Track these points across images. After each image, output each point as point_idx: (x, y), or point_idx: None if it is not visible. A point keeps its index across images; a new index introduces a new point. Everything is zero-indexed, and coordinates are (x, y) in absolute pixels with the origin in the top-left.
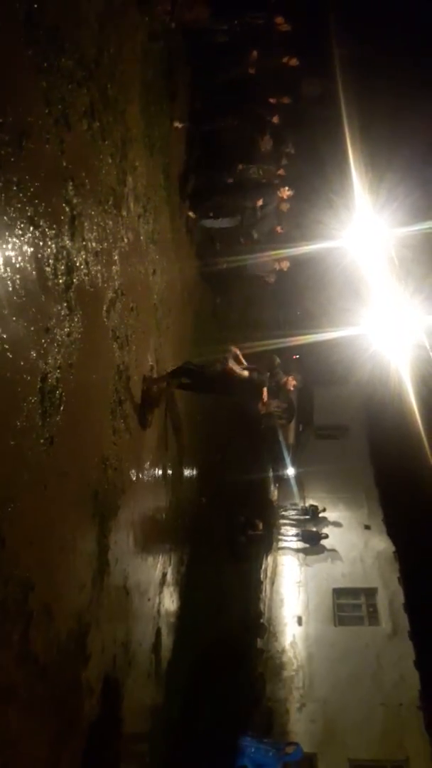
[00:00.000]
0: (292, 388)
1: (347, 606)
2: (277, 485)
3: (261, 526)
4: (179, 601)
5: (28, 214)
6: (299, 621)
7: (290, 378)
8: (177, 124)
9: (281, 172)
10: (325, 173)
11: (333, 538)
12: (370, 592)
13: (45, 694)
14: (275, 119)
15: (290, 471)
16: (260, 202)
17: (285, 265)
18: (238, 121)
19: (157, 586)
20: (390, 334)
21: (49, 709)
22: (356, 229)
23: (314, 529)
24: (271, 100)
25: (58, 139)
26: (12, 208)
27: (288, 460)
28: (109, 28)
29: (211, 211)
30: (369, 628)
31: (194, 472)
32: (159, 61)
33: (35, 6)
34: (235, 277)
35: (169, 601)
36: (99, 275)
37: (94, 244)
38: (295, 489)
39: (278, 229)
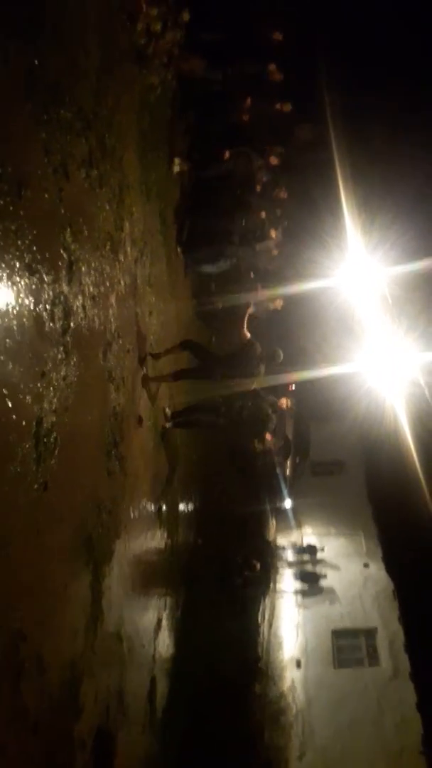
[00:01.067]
0: (285, 407)
1: (347, 647)
2: (274, 523)
3: (258, 566)
4: (174, 647)
5: (26, 261)
6: (298, 664)
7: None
8: (175, 167)
9: (274, 234)
10: (318, 214)
11: (331, 577)
12: (370, 633)
13: (36, 750)
14: (272, 160)
15: (287, 507)
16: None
17: (279, 303)
18: (233, 165)
19: (152, 632)
20: (385, 371)
21: (40, 766)
22: (349, 269)
23: (312, 568)
24: (270, 159)
25: (57, 188)
26: (10, 256)
27: (285, 496)
28: (108, 80)
29: (206, 257)
30: (369, 670)
31: (190, 512)
32: (156, 110)
33: (36, 62)
34: (231, 315)
35: (165, 647)
36: (96, 318)
37: (91, 289)
38: (292, 527)
39: (274, 251)
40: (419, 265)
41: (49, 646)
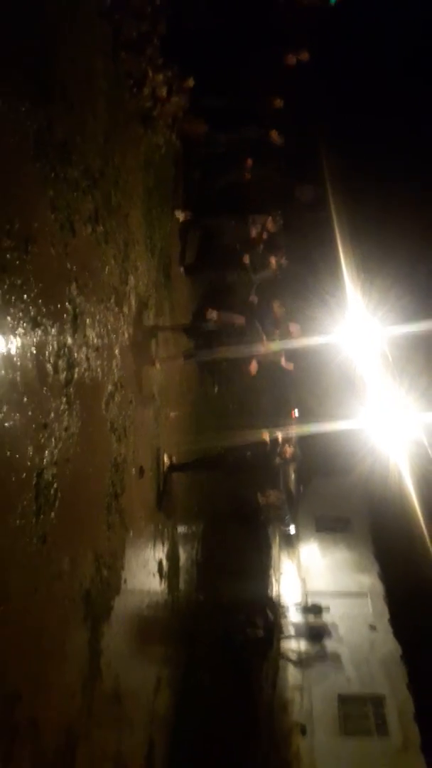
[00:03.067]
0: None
1: (354, 715)
2: (277, 580)
3: (261, 625)
4: (174, 708)
5: (32, 314)
6: (303, 730)
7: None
8: (179, 216)
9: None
10: (318, 274)
11: (337, 639)
12: (378, 700)
13: None
14: (269, 225)
15: (291, 565)
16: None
17: (290, 366)
18: (233, 222)
19: (151, 692)
20: (388, 429)
21: None
22: (350, 327)
23: (317, 629)
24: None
25: (63, 243)
26: (16, 309)
27: (290, 522)
28: (114, 141)
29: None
30: (378, 740)
31: (191, 565)
32: (160, 169)
33: (45, 124)
34: (233, 366)
35: (164, 708)
36: (99, 369)
37: (95, 340)
38: (297, 585)
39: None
40: (418, 326)
41: (45, 707)
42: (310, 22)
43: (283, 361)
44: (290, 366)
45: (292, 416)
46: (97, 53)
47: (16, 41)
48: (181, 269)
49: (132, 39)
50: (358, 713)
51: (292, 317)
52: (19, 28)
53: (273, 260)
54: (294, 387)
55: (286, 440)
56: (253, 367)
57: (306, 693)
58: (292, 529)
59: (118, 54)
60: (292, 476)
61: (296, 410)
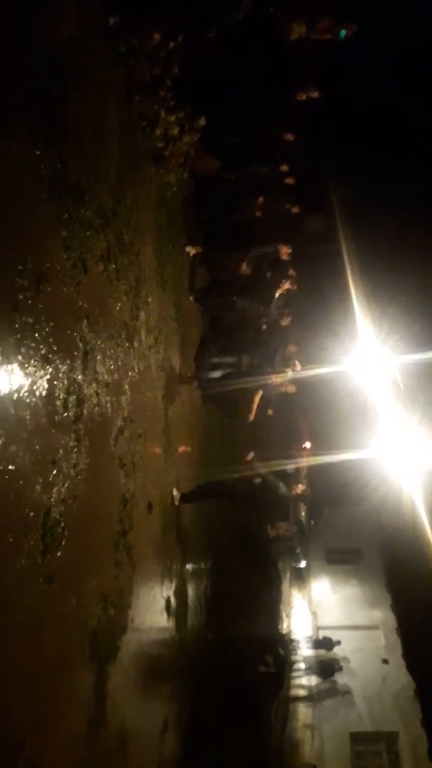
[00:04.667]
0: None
1: (366, 753)
2: (287, 615)
3: (272, 662)
4: (181, 751)
5: (42, 352)
6: None
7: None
8: (189, 251)
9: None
10: (328, 304)
11: (348, 674)
12: (391, 737)
13: None
14: (283, 252)
15: (301, 599)
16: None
17: (291, 388)
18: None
19: (157, 735)
20: (400, 459)
21: None
22: (361, 356)
23: (328, 664)
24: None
25: (75, 281)
26: (27, 348)
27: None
28: (126, 180)
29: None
30: None
31: (200, 602)
32: (172, 207)
33: (59, 166)
34: (242, 398)
35: (170, 752)
36: (109, 405)
37: (105, 376)
38: (308, 619)
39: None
40: (430, 354)
41: (48, 753)
42: (321, 59)
43: (288, 387)
44: (292, 388)
45: (304, 449)
46: (110, 96)
47: (32, 85)
48: (191, 298)
49: (145, 82)
50: (370, 751)
51: (302, 348)
52: (34, 73)
53: (283, 285)
54: (305, 417)
55: (297, 477)
56: (290, 387)
57: (317, 731)
58: (302, 564)
59: (131, 96)
60: (303, 508)
61: (308, 443)
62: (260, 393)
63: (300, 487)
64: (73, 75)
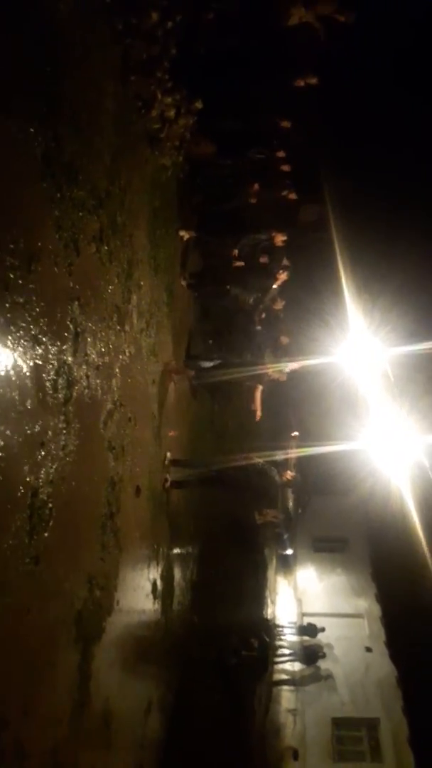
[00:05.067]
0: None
1: (348, 739)
2: (273, 601)
3: (256, 645)
4: (165, 732)
5: (33, 332)
6: (295, 755)
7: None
8: (183, 235)
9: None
10: (319, 294)
11: (332, 661)
12: (372, 724)
13: None
14: (278, 240)
15: (287, 586)
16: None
17: (282, 376)
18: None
19: (141, 716)
20: (389, 450)
21: None
22: (351, 347)
23: (312, 650)
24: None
25: (67, 262)
26: (17, 328)
27: (287, 545)
28: (121, 161)
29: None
30: (371, 766)
31: (186, 587)
32: (166, 190)
33: (53, 145)
34: (233, 387)
35: (154, 732)
36: (99, 388)
37: (95, 358)
38: (293, 606)
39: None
40: (420, 347)
41: (31, 732)
42: (320, 45)
43: (279, 376)
44: (283, 377)
45: (292, 437)
46: (106, 75)
47: (27, 62)
48: (184, 283)
49: (142, 62)
50: (351, 737)
51: (293, 339)
52: (30, 50)
53: (278, 276)
54: (295, 407)
55: (287, 464)
56: (258, 396)
57: (299, 716)
58: (289, 551)
59: (127, 76)
60: (291, 496)
61: (296, 432)
62: (260, 388)
63: (290, 474)
64: (68, 52)
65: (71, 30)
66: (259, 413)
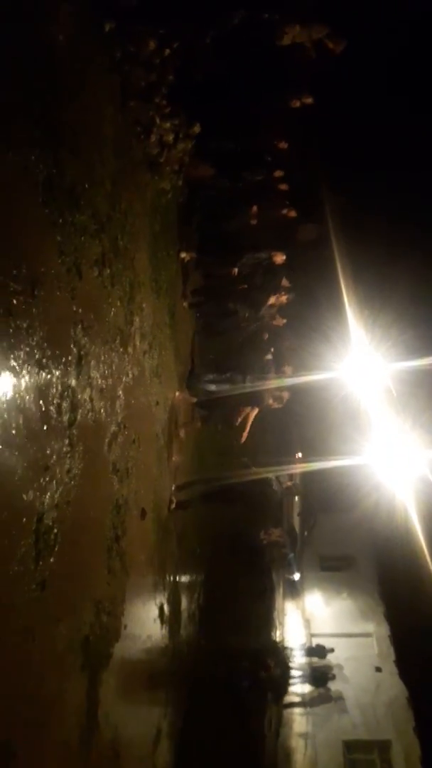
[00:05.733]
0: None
1: (360, 762)
2: (281, 623)
3: (272, 665)
4: (174, 760)
5: (36, 357)
6: None
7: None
8: (184, 256)
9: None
10: (321, 311)
11: (342, 682)
12: (384, 746)
13: None
14: (278, 259)
15: (295, 607)
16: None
17: (285, 395)
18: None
19: (151, 744)
20: (392, 465)
21: None
22: (353, 363)
23: (321, 672)
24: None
25: (70, 286)
26: (20, 353)
27: (294, 571)
28: (121, 186)
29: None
30: None
31: (193, 609)
32: (167, 213)
33: (54, 171)
34: (237, 405)
35: (163, 761)
36: (102, 410)
37: (99, 381)
38: (301, 626)
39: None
40: (422, 361)
41: (39, 762)
42: (316, 66)
43: (282, 394)
44: (280, 404)
45: (296, 458)
46: (106, 102)
47: (27, 90)
48: (186, 304)
49: (140, 88)
50: (363, 760)
51: (295, 355)
52: (30, 78)
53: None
54: (298, 424)
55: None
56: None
57: (310, 740)
58: (296, 576)
59: (126, 103)
60: (296, 517)
61: (300, 453)
62: (255, 411)
63: (289, 483)
64: (68, 80)
65: (71, 58)
66: (245, 437)
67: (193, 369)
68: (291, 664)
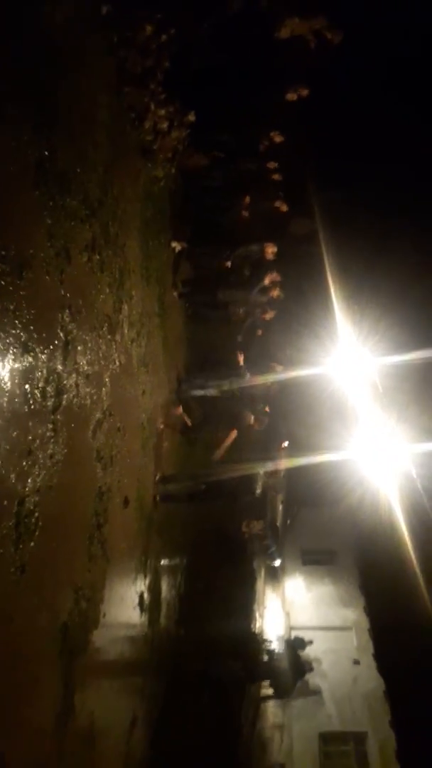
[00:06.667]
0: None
1: (335, 753)
2: (261, 614)
3: (243, 660)
4: (150, 748)
5: (22, 339)
6: None
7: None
8: (175, 246)
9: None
10: (309, 305)
11: (320, 675)
12: (360, 737)
13: None
14: (269, 252)
15: (275, 599)
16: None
17: (266, 419)
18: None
19: (126, 731)
20: (377, 460)
21: None
22: (340, 357)
23: (299, 664)
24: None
25: (58, 270)
26: (6, 334)
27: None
28: (114, 172)
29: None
30: None
31: (174, 600)
32: (159, 201)
33: (46, 153)
34: (223, 400)
35: (139, 748)
36: (88, 397)
37: (85, 367)
38: (281, 619)
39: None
40: (408, 356)
41: (15, 746)
42: (312, 59)
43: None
44: (261, 425)
45: (281, 448)
46: (100, 86)
47: (23, 70)
48: (176, 294)
49: (136, 74)
50: (339, 751)
51: (282, 350)
52: (25, 58)
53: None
54: (284, 418)
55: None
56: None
57: (286, 731)
58: (277, 563)
59: (121, 88)
60: (280, 508)
61: (286, 442)
62: (234, 433)
63: (276, 472)
64: (63, 63)
65: (67, 40)
66: (222, 455)
67: (183, 381)
68: (269, 656)
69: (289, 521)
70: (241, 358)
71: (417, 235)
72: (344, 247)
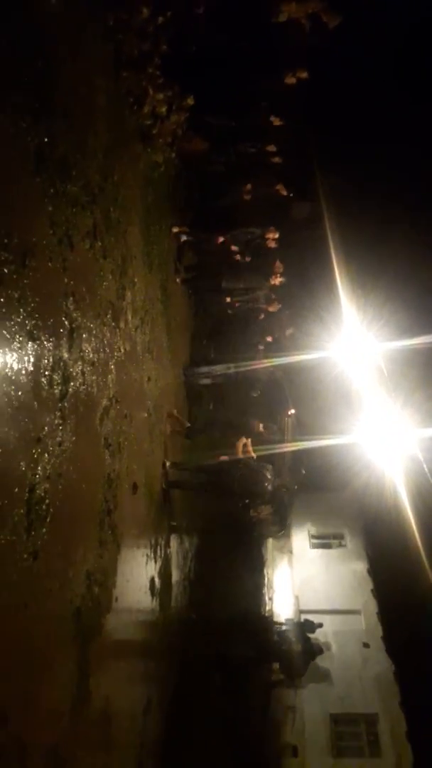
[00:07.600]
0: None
1: (346, 734)
2: (270, 598)
3: (254, 643)
4: (164, 731)
5: (28, 328)
6: (294, 752)
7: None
8: (176, 231)
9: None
10: (314, 290)
11: (329, 657)
12: (370, 719)
13: None
14: (271, 240)
15: (284, 582)
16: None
17: (266, 433)
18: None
19: (141, 714)
20: (383, 444)
21: None
22: (346, 343)
23: (309, 647)
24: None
25: (61, 258)
26: (11, 323)
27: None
28: (114, 158)
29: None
30: (370, 761)
31: (184, 584)
32: (159, 187)
33: (46, 140)
34: (229, 383)
35: (154, 731)
36: (94, 384)
37: (91, 355)
38: (290, 602)
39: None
40: (413, 341)
41: (31, 729)
42: (311, 42)
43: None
44: (267, 434)
45: (288, 415)
46: (98, 71)
47: (20, 59)
48: (178, 280)
49: (133, 58)
50: (350, 732)
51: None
52: (23, 46)
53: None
54: (290, 403)
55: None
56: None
57: (298, 713)
58: (281, 533)
59: (119, 72)
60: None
61: (292, 410)
62: (243, 440)
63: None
64: (60, 48)
65: (63, 25)
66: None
67: (189, 368)
68: (275, 640)
69: (296, 502)
70: (245, 345)
71: (422, 219)
72: (348, 230)
